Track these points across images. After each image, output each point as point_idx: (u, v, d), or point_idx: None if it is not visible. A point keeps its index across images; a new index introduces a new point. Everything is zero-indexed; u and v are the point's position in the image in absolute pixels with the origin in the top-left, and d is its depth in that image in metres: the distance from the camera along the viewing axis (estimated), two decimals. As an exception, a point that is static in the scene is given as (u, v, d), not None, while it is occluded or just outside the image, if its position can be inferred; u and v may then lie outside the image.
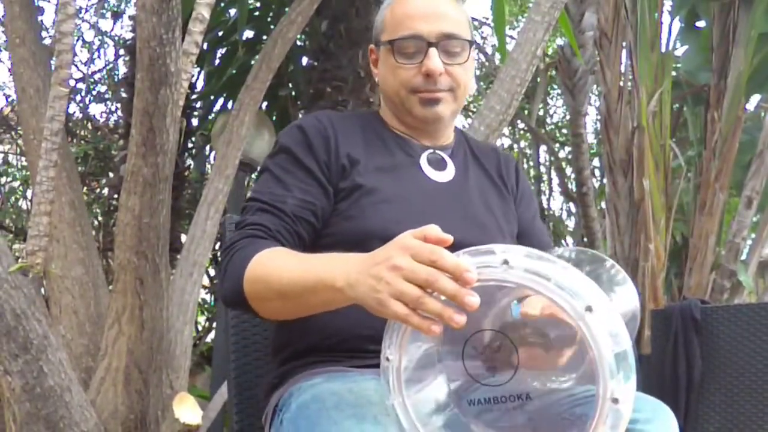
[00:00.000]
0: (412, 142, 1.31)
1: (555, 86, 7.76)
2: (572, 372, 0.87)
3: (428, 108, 1.26)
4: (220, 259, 1.18)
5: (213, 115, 4.71)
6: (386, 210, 1.19)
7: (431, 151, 1.32)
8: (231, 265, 1.10)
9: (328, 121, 1.27)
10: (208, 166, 5.34)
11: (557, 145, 7.85)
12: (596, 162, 7.00)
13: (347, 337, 1.15)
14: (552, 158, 7.54)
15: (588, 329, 0.77)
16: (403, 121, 1.32)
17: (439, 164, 1.31)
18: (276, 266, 1.04)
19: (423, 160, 1.30)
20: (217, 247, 3.73)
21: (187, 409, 1.95)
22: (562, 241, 7.48)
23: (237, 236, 1.15)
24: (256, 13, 4.27)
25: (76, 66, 5.48)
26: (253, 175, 4.40)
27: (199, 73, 4.52)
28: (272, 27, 3.66)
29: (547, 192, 8.20)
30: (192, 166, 5.15)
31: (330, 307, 0.98)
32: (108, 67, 5.79)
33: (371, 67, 1.37)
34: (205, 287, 5.22)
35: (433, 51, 1.23)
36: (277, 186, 1.21)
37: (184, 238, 3.06)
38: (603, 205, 4.97)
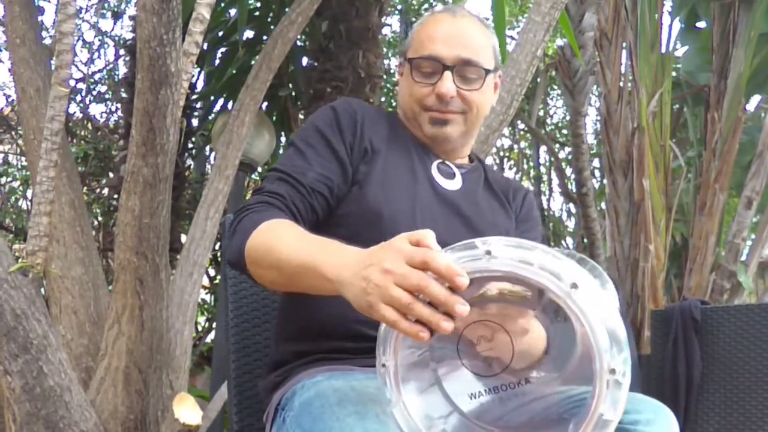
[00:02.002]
0: (427, 149, 1.35)
1: (555, 87, 7.76)
2: (560, 368, 0.88)
3: (437, 127, 1.31)
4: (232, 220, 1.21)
5: (213, 115, 4.71)
6: (397, 201, 1.23)
7: (441, 161, 1.36)
8: (239, 227, 1.13)
9: (360, 108, 1.32)
10: (208, 166, 5.34)
11: (557, 145, 7.85)
12: (596, 162, 7.00)
13: (342, 321, 1.16)
14: (552, 159, 7.54)
15: (576, 305, 0.78)
16: (416, 134, 1.37)
17: (448, 174, 1.34)
18: (277, 237, 1.06)
19: (433, 167, 1.33)
20: (217, 247, 3.74)
21: (186, 409, 1.95)
22: (562, 242, 7.49)
23: (252, 200, 1.18)
24: (257, 14, 4.27)
25: (76, 66, 5.48)
26: (254, 176, 4.42)
27: (200, 73, 4.52)
28: (272, 27, 3.66)
29: (547, 193, 8.21)
30: (192, 167, 5.15)
31: (319, 293, 0.98)
32: (108, 68, 5.80)
33: (398, 78, 1.41)
34: (205, 287, 5.22)
35: (447, 74, 1.27)
36: (299, 158, 1.24)
37: (184, 238, 3.06)
38: (603, 205, 4.97)
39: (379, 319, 0.83)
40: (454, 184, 1.34)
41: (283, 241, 1.05)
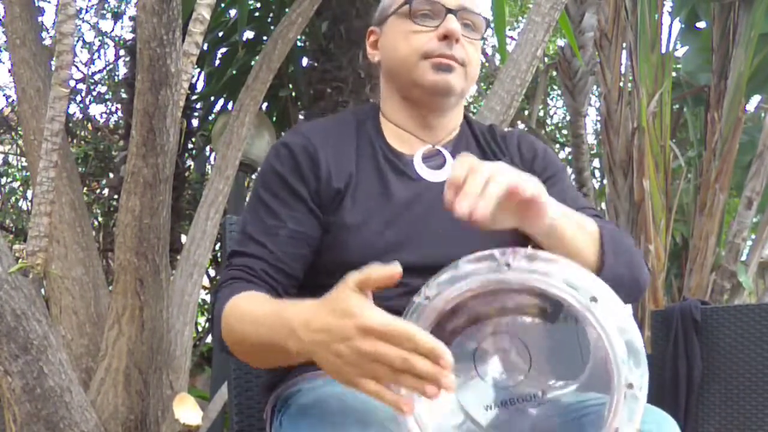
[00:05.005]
0: (405, 158, 1.21)
1: (555, 87, 7.76)
2: (574, 378, 0.87)
3: (440, 74, 1.16)
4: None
5: (213, 115, 4.71)
6: (370, 242, 1.12)
7: (429, 146, 1.22)
8: (215, 315, 1.07)
9: (319, 140, 1.18)
10: (208, 166, 5.35)
11: (557, 145, 7.85)
12: (596, 163, 7.00)
13: None
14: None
15: (595, 319, 0.78)
16: (408, 97, 1.22)
17: (436, 165, 1.21)
18: (241, 319, 1.01)
19: (418, 159, 1.20)
20: (217, 247, 3.74)
21: (187, 409, 1.95)
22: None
23: (223, 278, 1.11)
24: (257, 14, 4.27)
25: (76, 67, 5.49)
26: (254, 176, 4.42)
27: (200, 73, 4.52)
28: (272, 28, 3.66)
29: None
30: (192, 167, 5.15)
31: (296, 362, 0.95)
32: (108, 68, 5.80)
33: (369, 51, 1.28)
34: (205, 288, 5.22)
35: (451, 17, 1.17)
36: (268, 215, 1.14)
37: (184, 238, 3.06)
38: (603, 205, 4.97)
39: (362, 391, 0.80)
40: (444, 173, 1.18)
41: (245, 323, 0.99)
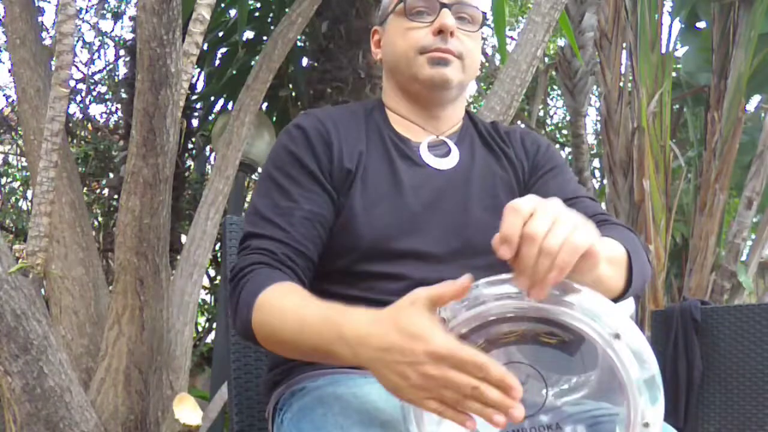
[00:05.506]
0: (411, 143, 1.23)
1: (555, 87, 7.76)
2: (578, 378, 0.87)
3: (436, 68, 1.18)
4: (228, 285, 1.10)
5: (213, 115, 4.71)
6: (378, 226, 1.13)
7: (434, 137, 1.24)
8: (240, 301, 1.04)
9: (329, 121, 1.20)
10: (208, 166, 5.35)
11: (557, 145, 7.85)
12: (596, 163, 7.00)
13: None
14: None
15: (616, 356, 0.78)
16: (409, 91, 1.24)
17: (442, 153, 1.23)
18: (281, 315, 0.98)
19: (424, 147, 1.22)
20: (217, 247, 3.74)
21: (187, 409, 1.95)
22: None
23: (242, 262, 1.08)
24: (257, 14, 4.27)
25: (76, 67, 5.48)
26: (254, 176, 4.43)
27: (200, 73, 4.52)
28: (272, 28, 3.66)
29: (547, 193, 8.18)
30: (192, 167, 5.15)
31: None
32: (108, 68, 5.80)
33: (373, 50, 1.31)
34: (205, 288, 5.22)
35: (446, 11, 1.19)
36: (282, 196, 1.13)
37: (184, 238, 3.06)
38: (603, 205, 4.97)
39: (425, 410, 0.80)
40: (449, 161, 1.22)
41: (287, 322, 0.96)
